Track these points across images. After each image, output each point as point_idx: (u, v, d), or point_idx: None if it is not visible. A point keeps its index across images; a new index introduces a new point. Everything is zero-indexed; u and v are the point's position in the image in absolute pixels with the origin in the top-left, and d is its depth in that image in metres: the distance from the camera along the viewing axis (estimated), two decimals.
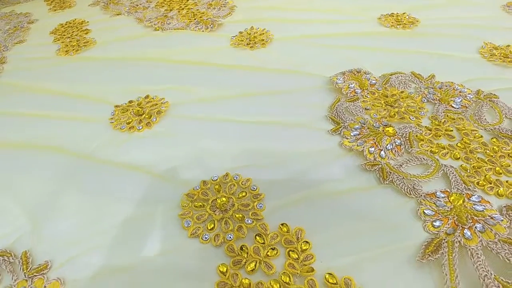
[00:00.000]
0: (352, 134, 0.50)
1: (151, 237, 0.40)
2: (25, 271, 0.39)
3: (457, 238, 0.37)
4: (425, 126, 0.52)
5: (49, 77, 0.69)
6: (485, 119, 0.53)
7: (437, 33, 0.75)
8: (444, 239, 0.37)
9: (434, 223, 0.39)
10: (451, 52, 0.69)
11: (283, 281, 0.35)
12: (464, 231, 0.37)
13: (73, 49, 0.75)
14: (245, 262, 0.36)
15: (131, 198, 0.45)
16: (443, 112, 0.54)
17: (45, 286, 0.37)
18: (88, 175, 0.49)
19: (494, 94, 0.56)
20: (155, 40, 0.78)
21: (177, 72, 0.67)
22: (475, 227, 0.38)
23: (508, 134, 0.50)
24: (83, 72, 0.69)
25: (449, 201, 0.41)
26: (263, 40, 0.74)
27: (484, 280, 0.34)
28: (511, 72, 0.63)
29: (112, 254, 0.39)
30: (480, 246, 0.36)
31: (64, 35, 0.80)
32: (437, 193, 0.42)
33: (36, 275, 0.38)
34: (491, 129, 0.51)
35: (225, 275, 0.36)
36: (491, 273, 0.34)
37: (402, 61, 0.66)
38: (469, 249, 0.36)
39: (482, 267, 0.35)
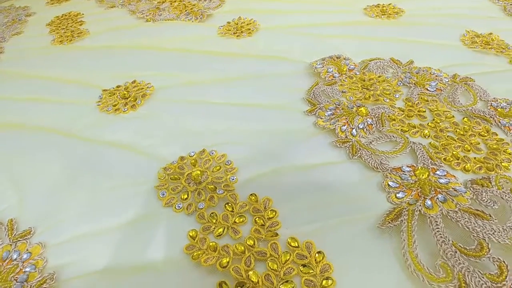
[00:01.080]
0: (326, 114, 0.52)
1: (129, 206, 0.42)
2: (10, 236, 0.41)
3: (418, 207, 0.39)
4: (399, 108, 0.53)
5: (43, 65, 0.72)
6: (459, 101, 0.54)
7: (421, 22, 0.77)
8: (405, 208, 0.39)
9: (397, 195, 0.41)
10: (433, 40, 0.70)
11: (247, 244, 0.36)
12: (426, 201, 0.39)
13: (67, 39, 0.78)
14: (214, 228, 0.39)
15: (113, 172, 0.47)
16: (418, 94, 0.55)
17: (27, 249, 0.40)
18: (75, 152, 0.51)
19: (470, 78, 0.58)
20: (146, 30, 0.80)
21: (164, 59, 0.69)
22: (437, 198, 0.39)
23: (480, 115, 0.51)
24: (75, 60, 0.72)
25: (414, 174, 0.43)
26: (249, 29, 0.76)
27: (441, 246, 0.35)
28: (491, 58, 0.65)
29: (92, 220, 0.41)
30: (440, 215, 0.38)
31: (59, 26, 0.84)
32: (403, 167, 0.44)
33: (19, 240, 0.41)
34: (464, 110, 0.52)
35: (194, 239, 0.38)
36: (448, 239, 0.36)
37: (383, 49, 0.68)
38: (429, 217, 0.38)
39: (440, 234, 0.36)
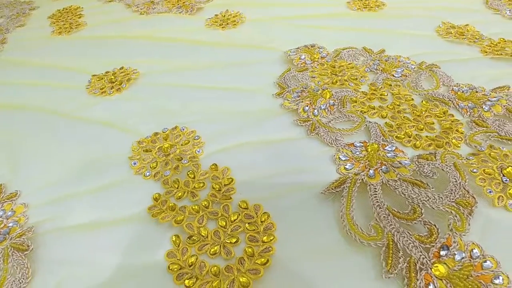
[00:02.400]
0: (293, 96, 0.56)
1: (105, 173, 0.47)
2: None
3: (361, 177, 0.42)
4: (362, 91, 0.56)
5: (41, 53, 0.78)
6: (422, 86, 0.57)
7: (401, 15, 0.80)
8: (350, 177, 0.42)
9: (346, 166, 0.44)
10: (410, 31, 0.73)
11: (202, 205, 0.41)
12: (369, 171, 0.42)
13: (65, 31, 0.84)
14: (175, 192, 0.43)
15: (95, 145, 0.52)
16: (382, 79, 0.58)
17: (12, 209, 0.45)
18: (65, 129, 0.57)
19: (435, 64, 0.61)
20: (139, 22, 0.86)
21: (152, 48, 0.74)
22: (380, 169, 0.43)
23: (439, 98, 0.54)
24: (71, 49, 0.78)
25: (365, 149, 0.46)
26: (235, 21, 0.80)
27: (376, 209, 0.39)
28: (463, 47, 0.68)
29: (73, 184, 0.46)
30: (380, 183, 0.41)
31: (59, 19, 0.90)
32: (356, 143, 0.47)
33: (6, 201, 0.46)
34: (424, 94, 0.55)
35: (157, 201, 0.42)
36: (383, 204, 0.39)
37: (360, 39, 0.71)
38: (369, 185, 0.41)
39: (377, 199, 0.39)
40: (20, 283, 0.36)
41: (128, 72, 0.66)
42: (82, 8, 0.95)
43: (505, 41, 0.69)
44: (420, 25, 0.75)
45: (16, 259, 0.38)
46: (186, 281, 0.34)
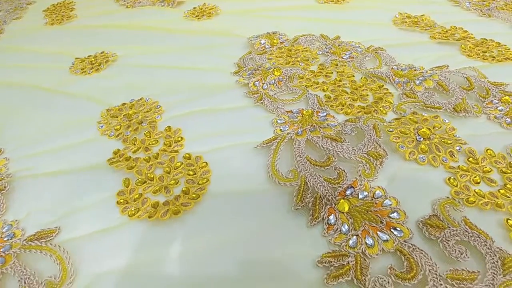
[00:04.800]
0: (247, 74, 0.64)
1: (77, 134, 0.56)
2: None
3: (290, 135, 0.50)
4: (310, 70, 0.64)
5: (34, 41, 0.89)
6: (365, 65, 0.65)
7: (364, 6, 0.88)
8: (280, 135, 0.50)
9: (281, 128, 0.52)
10: (368, 21, 0.82)
11: (153, 157, 0.49)
12: (298, 130, 0.50)
13: (57, 22, 0.95)
14: (132, 148, 0.51)
15: (73, 113, 0.61)
16: (331, 60, 0.66)
17: None
18: (49, 101, 0.66)
19: (381, 47, 0.68)
20: (124, 14, 0.96)
21: (133, 36, 0.84)
22: (308, 128, 0.50)
23: (378, 75, 0.62)
24: (60, 37, 0.88)
25: (301, 115, 0.54)
26: (210, 13, 0.90)
27: (296, 159, 0.46)
28: (414, 34, 0.76)
29: (49, 142, 0.55)
30: (305, 140, 0.49)
31: (53, 12, 1.01)
32: (294, 110, 0.55)
33: None
34: (366, 72, 0.63)
35: (116, 154, 0.51)
36: (304, 154, 0.46)
37: (321, 28, 0.80)
38: (295, 141, 0.49)
39: (299, 151, 0.47)
40: None
41: (108, 55, 0.76)
42: (75, 2, 1.07)
43: (456, 28, 0.77)
44: (379, 16, 0.83)
45: None
46: (129, 211, 0.42)
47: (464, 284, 0.34)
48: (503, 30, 0.79)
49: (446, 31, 0.76)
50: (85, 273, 0.38)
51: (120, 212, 0.43)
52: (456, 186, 0.44)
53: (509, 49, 0.71)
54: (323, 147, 0.47)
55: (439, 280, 0.34)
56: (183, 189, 0.45)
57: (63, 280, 0.38)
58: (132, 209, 0.43)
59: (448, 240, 0.38)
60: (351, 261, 0.36)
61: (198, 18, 0.89)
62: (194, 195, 0.44)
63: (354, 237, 0.38)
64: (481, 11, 0.85)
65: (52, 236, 0.42)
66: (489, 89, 0.58)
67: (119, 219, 0.43)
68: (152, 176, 0.47)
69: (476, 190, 0.43)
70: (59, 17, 0.97)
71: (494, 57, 0.68)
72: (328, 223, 0.40)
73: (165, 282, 0.38)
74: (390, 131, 0.50)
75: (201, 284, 0.37)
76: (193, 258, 0.39)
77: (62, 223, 0.43)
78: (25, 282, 0.38)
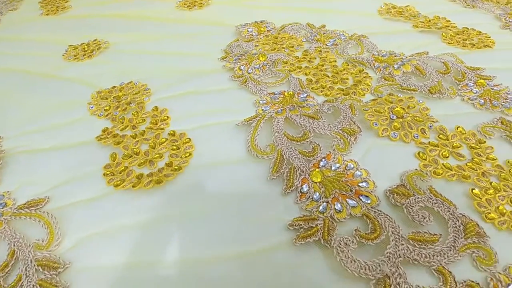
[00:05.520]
0: (234, 59, 0.67)
1: (68, 114, 0.59)
2: None
3: (270, 113, 0.52)
4: (295, 56, 0.67)
5: (30, 30, 0.91)
6: (347, 52, 0.68)
7: None
8: (261, 114, 0.52)
9: (263, 108, 0.54)
10: (354, 11, 0.84)
11: (140, 134, 0.52)
12: (278, 109, 0.53)
13: (52, 12, 0.98)
14: (120, 126, 0.54)
15: (65, 96, 0.64)
16: (315, 47, 0.69)
17: None
18: (44, 85, 0.69)
19: (364, 35, 0.71)
20: (117, 4, 0.99)
21: (126, 25, 0.87)
22: (288, 107, 0.53)
23: (359, 60, 0.64)
24: (55, 26, 0.91)
25: (283, 96, 0.56)
26: (201, 3, 0.93)
27: (275, 135, 0.49)
28: (398, 23, 0.78)
29: (41, 122, 0.58)
30: (283, 117, 0.51)
31: (49, 3, 1.04)
32: (276, 92, 0.57)
33: None
34: (348, 57, 0.65)
35: (104, 132, 0.53)
36: (281, 130, 0.49)
37: (309, 18, 0.82)
38: (275, 119, 0.51)
39: (277, 128, 0.50)
40: None
41: (100, 43, 0.79)
42: None
43: (439, 18, 0.80)
44: (365, 6, 0.86)
45: None
46: (115, 182, 0.45)
47: (425, 245, 0.37)
48: (486, 20, 0.82)
49: (429, 21, 0.79)
50: (70, 237, 0.41)
51: (106, 183, 0.46)
52: (425, 159, 0.46)
53: (489, 37, 0.73)
54: (301, 124, 0.50)
55: (401, 241, 0.37)
56: (167, 162, 0.47)
57: (50, 243, 0.40)
58: (118, 180, 0.46)
59: (413, 206, 0.40)
60: (319, 224, 0.39)
61: (190, 9, 0.92)
62: (176, 167, 0.46)
63: (325, 203, 0.41)
64: (465, 2, 0.88)
65: (41, 205, 0.45)
66: (465, 73, 0.61)
67: (105, 189, 0.46)
68: (138, 151, 0.49)
69: (444, 164, 0.46)
70: (54, 8, 1.00)
71: (474, 45, 0.71)
72: (301, 192, 0.43)
73: (145, 244, 0.40)
74: (366, 110, 0.52)
75: (181, 245, 0.40)
76: (174, 223, 0.42)
77: (52, 194, 0.46)
78: (14, 245, 0.41)
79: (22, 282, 0.38)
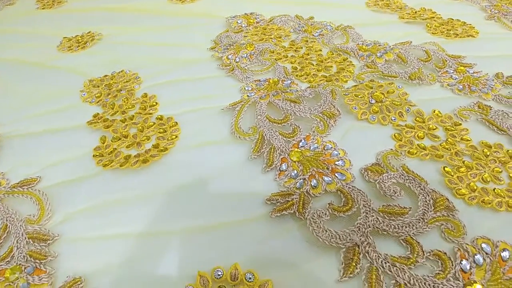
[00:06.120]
0: (222, 49, 0.69)
1: (62, 101, 0.61)
2: None
3: (254, 98, 0.54)
4: (282, 45, 0.69)
5: (26, 24, 0.94)
6: (333, 42, 0.70)
7: None
8: (245, 99, 0.55)
9: (248, 94, 0.57)
10: (342, 3, 0.87)
11: (129, 118, 0.54)
12: (262, 94, 0.55)
13: (48, 6, 1.00)
14: (110, 112, 0.56)
15: (59, 84, 0.67)
16: (302, 38, 0.71)
17: None
18: (40, 74, 0.71)
19: (350, 26, 0.73)
20: None
21: (120, 18, 0.90)
22: (271, 93, 0.55)
23: (343, 49, 0.66)
24: (51, 20, 0.94)
25: (268, 83, 0.58)
26: None
27: (257, 117, 0.51)
28: (384, 15, 0.81)
29: (35, 108, 0.60)
30: (267, 102, 0.54)
31: None
32: (262, 79, 0.60)
33: None
34: (332, 47, 0.68)
35: (95, 117, 0.56)
36: (264, 113, 0.51)
37: (298, 10, 0.84)
38: (258, 103, 0.53)
39: (260, 112, 0.52)
40: None
41: (94, 34, 0.81)
42: None
43: (425, 9, 0.82)
44: None
45: None
46: (103, 162, 0.47)
47: (394, 217, 0.39)
48: (471, 11, 0.84)
49: (415, 12, 0.81)
50: (60, 212, 0.44)
51: (96, 164, 0.48)
52: (401, 140, 0.49)
53: (473, 27, 0.76)
54: (283, 108, 0.52)
55: (371, 213, 0.39)
56: (154, 144, 0.50)
57: (40, 218, 0.43)
58: (106, 160, 0.48)
59: (385, 182, 0.42)
60: (295, 198, 0.41)
61: (182, 2, 0.94)
62: (162, 148, 0.49)
63: (301, 180, 0.43)
64: None
65: (34, 183, 0.47)
66: (446, 61, 0.63)
67: (94, 169, 0.48)
68: (126, 134, 0.52)
69: (419, 144, 0.48)
70: (50, 2, 1.03)
71: (458, 35, 0.73)
72: (280, 170, 0.45)
73: (130, 217, 0.42)
74: (346, 95, 0.54)
75: (164, 218, 0.42)
76: (158, 198, 0.44)
77: (43, 174, 0.49)
78: (6, 220, 0.43)
79: (14, 253, 0.40)
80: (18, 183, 0.47)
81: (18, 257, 0.40)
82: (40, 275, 0.38)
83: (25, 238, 0.41)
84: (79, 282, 0.36)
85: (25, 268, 0.38)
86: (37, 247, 0.40)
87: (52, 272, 0.38)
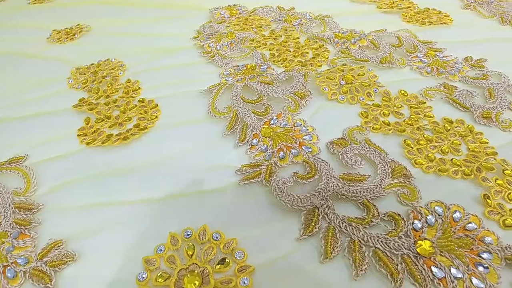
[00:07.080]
0: (205, 38, 0.73)
1: (47, 87, 0.65)
2: None
3: (231, 81, 0.58)
4: (262, 34, 0.73)
5: (17, 18, 0.98)
6: (311, 30, 0.73)
7: None
8: (223, 83, 0.58)
9: (226, 78, 0.60)
10: None
11: (112, 101, 0.58)
12: (238, 78, 0.58)
13: (39, 1, 1.04)
14: (95, 96, 0.60)
15: (48, 73, 0.70)
16: (281, 27, 0.75)
17: None
18: (31, 64, 0.75)
19: (328, 15, 0.77)
20: None
21: (107, 9, 0.94)
22: (248, 76, 0.59)
23: (321, 37, 0.70)
24: (42, 13, 0.98)
25: (246, 68, 0.62)
26: None
27: (233, 99, 0.55)
28: (362, 5, 0.84)
29: (26, 95, 0.64)
30: (243, 84, 0.57)
31: None
32: (240, 64, 0.63)
33: None
34: (310, 35, 0.71)
35: (80, 101, 0.59)
36: (239, 94, 0.55)
37: (280, 2, 0.88)
38: (234, 86, 0.57)
39: (235, 93, 0.56)
40: None
41: (82, 27, 0.85)
42: None
43: (402, 0, 0.86)
44: None
45: None
46: (86, 141, 0.51)
47: (353, 183, 0.43)
48: (448, 1, 0.88)
49: (393, 2, 0.85)
50: (44, 185, 0.47)
51: (79, 142, 0.52)
52: (367, 117, 0.52)
53: (448, 15, 0.79)
54: (257, 89, 0.56)
55: (332, 179, 0.43)
56: (135, 124, 0.53)
57: (26, 190, 0.46)
58: (89, 139, 0.52)
59: (347, 153, 0.46)
60: (263, 168, 0.44)
61: None
62: (142, 127, 0.52)
63: (270, 153, 0.47)
64: None
65: (21, 161, 0.51)
66: (417, 46, 0.67)
67: (78, 147, 0.52)
68: (109, 115, 0.55)
69: (384, 121, 0.52)
70: None
71: (432, 22, 0.76)
72: (251, 144, 0.48)
73: (110, 188, 0.46)
74: (318, 77, 0.58)
75: (140, 188, 0.45)
76: (137, 171, 0.48)
77: (30, 153, 0.52)
78: None
79: (1, 222, 0.44)
80: (6, 161, 0.51)
81: (5, 225, 0.43)
82: (25, 239, 0.41)
83: (12, 208, 0.45)
84: (60, 244, 0.40)
85: (10, 234, 0.42)
86: (23, 215, 0.44)
87: (35, 236, 0.41)
